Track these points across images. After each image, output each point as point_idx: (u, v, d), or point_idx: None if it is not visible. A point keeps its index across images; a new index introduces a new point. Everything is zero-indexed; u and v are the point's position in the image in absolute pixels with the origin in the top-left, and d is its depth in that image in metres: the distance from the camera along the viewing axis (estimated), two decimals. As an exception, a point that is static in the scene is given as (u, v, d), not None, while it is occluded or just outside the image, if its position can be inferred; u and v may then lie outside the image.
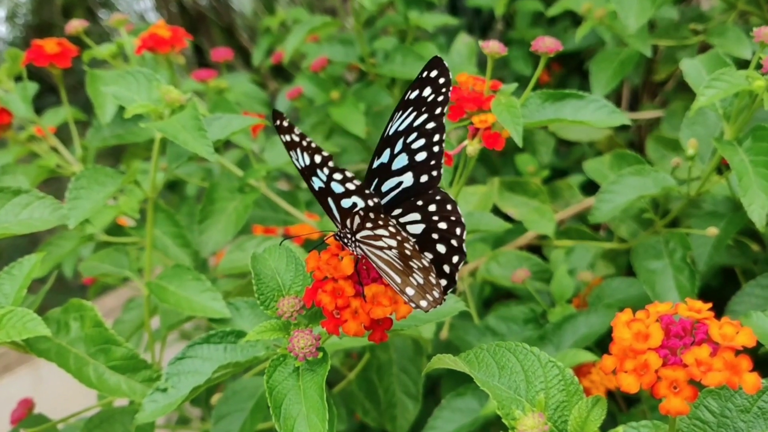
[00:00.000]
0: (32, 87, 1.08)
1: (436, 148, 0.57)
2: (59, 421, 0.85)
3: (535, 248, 1.24)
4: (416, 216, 0.57)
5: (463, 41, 1.51)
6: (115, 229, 1.12)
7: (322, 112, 1.43)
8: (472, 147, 0.78)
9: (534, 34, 1.57)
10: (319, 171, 0.53)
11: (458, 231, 0.56)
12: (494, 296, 1.33)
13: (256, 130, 1.31)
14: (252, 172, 1.05)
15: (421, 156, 0.58)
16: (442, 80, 0.57)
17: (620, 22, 1.08)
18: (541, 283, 1.07)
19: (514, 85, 0.82)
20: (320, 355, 0.58)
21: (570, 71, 1.72)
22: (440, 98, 0.57)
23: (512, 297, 1.30)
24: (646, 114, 1.45)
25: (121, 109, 0.93)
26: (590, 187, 1.26)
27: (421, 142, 0.58)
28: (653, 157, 1.14)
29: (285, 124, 0.52)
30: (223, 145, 1.27)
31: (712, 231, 0.90)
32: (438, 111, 0.57)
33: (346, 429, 1.03)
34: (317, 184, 0.54)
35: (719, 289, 1.18)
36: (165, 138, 0.80)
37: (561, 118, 0.81)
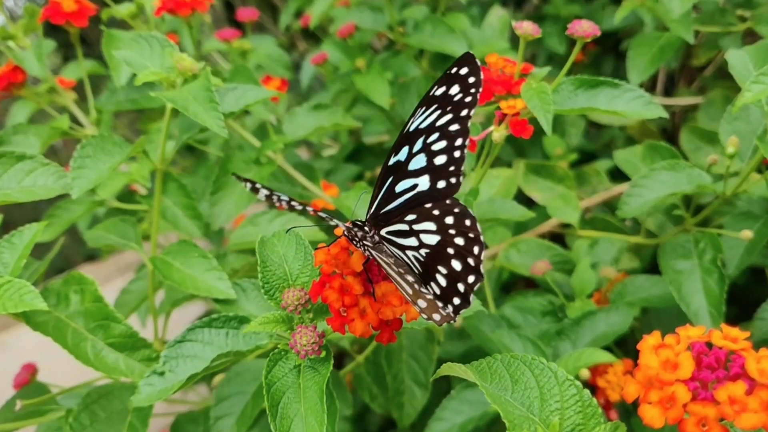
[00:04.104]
0: (48, 45, 1.05)
1: (457, 153, 0.53)
2: (59, 393, 0.84)
3: (558, 236, 1.20)
4: (431, 225, 0.53)
5: (497, 14, 1.45)
6: (128, 195, 1.10)
7: (347, 79, 1.38)
8: (498, 133, 0.74)
9: (570, 10, 1.51)
10: None
11: (476, 250, 0.51)
12: (512, 281, 1.30)
13: (278, 97, 1.26)
14: (269, 144, 1.01)
15: (440, 159, 0.53)
16: (471, 79, 0.51)
17: (663, 5, 1.02)
18: (562, 274, 1.03)
19: (546, 69, 0.78)
20: (323, 353, 0.55)
21: (605, 51, 1.66)
22: (468, 99, 0.51)
23: (531, 284, 1.27)
24: (682, 100, 1.39)
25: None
26: (619, 174, 1.21)
27: (443, 144, 0.53)
28: (687, 148, 1.09)
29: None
30: (243, 111, 1.23)
31: (746, 234, 0.85)
32: (464, 113, 0.52)
33: (353, 413, 1.00)
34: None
35: (745, 288, 1.14)
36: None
37: (594, 107, 0.77)
